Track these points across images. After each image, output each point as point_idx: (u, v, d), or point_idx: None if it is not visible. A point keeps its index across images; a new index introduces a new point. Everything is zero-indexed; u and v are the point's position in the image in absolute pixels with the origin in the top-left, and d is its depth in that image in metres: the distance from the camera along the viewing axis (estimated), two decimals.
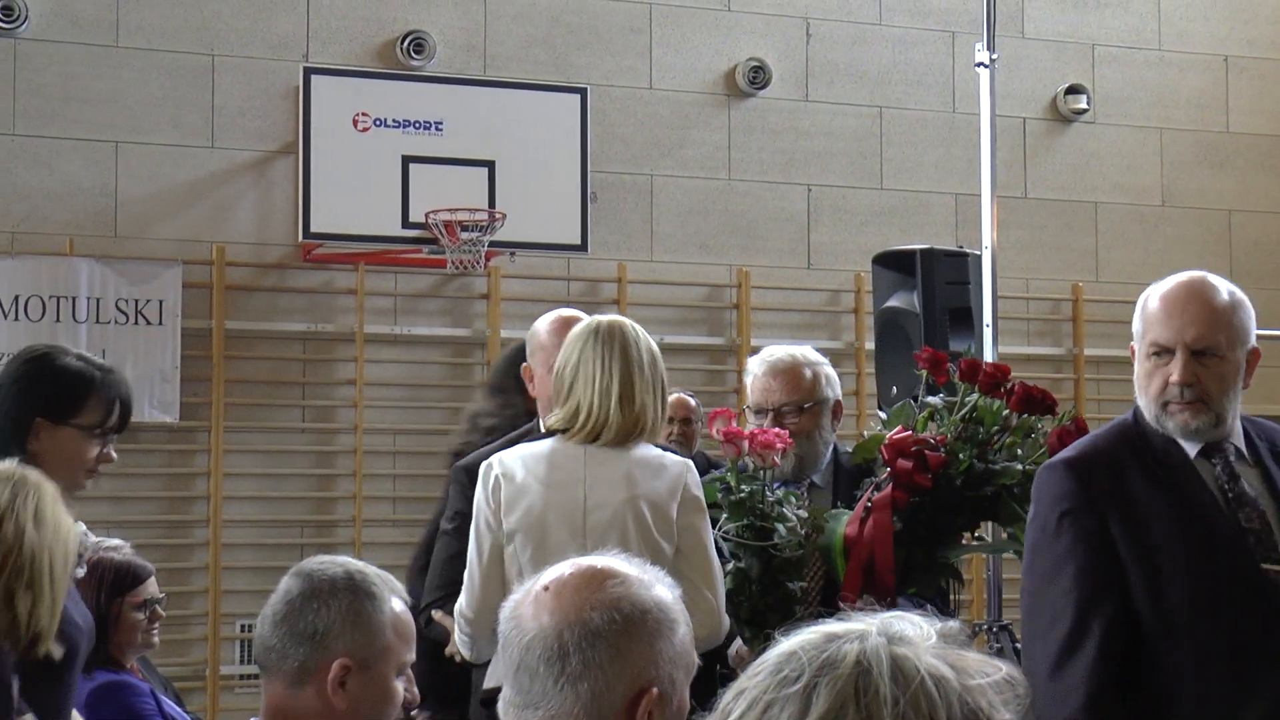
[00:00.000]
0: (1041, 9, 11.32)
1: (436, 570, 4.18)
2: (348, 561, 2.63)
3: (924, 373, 4.18)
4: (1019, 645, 6.78)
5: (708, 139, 10.60)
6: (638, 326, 4.03)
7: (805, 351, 4.46)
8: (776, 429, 4.12)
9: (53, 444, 3.36)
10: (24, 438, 3.33)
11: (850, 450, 4.37)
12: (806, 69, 10.83)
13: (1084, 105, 11.31)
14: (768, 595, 4.02)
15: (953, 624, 1.45)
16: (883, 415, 4.25)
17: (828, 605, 3.92)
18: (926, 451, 3.85)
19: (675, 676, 2.01)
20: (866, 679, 1.37)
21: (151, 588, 4.28)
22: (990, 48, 7.32)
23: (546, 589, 2.02)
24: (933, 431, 3.97)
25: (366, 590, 2.55)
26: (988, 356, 6.27)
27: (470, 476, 4.09)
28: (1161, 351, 3.32)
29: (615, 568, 2.05)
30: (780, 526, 4.03)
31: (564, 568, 2.05)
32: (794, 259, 10.69)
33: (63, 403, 3.38)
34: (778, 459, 4.06)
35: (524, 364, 4.57)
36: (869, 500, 3.86)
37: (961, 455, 3.91)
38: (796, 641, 1.43)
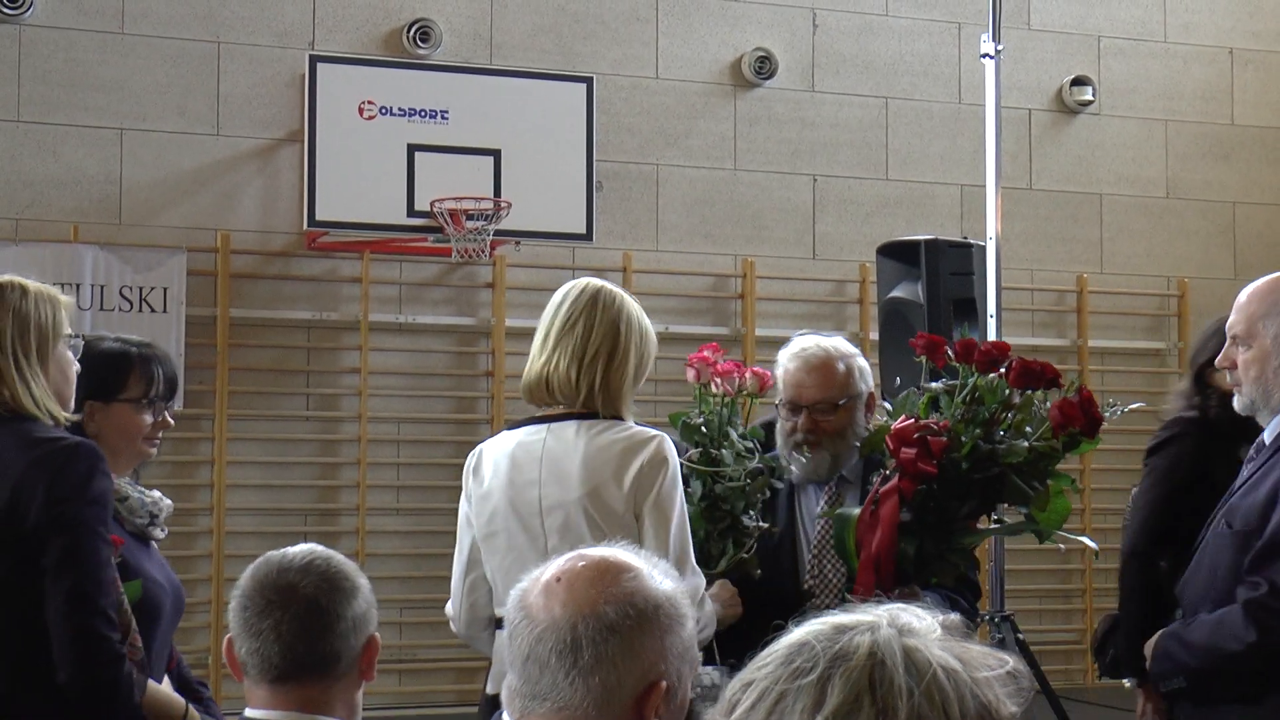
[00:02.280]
0: (1047, 1, 11.31)
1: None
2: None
3: (923, 359, 4.12)
4: (1021, 636, 6.80)
5: (713, 129, 10.59)
6: (617, 292, 4.02)
7: (838, 343, 4.29)
8: (743, 365, 4.13)
9: (108, 422, 3.56)
10: (80, 422, 3.49)
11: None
12: (813, 59, 10.83)
13: (1089, 97, 11.30)
14: (713, 521, 3.98)
15: (954, 616, 1.45)
16: (888, 406, 4.20)
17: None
18: (929, 438, 3.80)
19: (682, 670, 2.02)
20: (881, 670, 1.37)
21: None
22: (996, 39, 7.33)
23: (559, 580, 2.01)
24: (936, 417, 3.92)
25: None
26: None
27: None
28: None
29: (628, 560, 2.05)
30: (725, 452, 3.99)
31: (575, 559, 2.05)
32: (799, 249, 10.69)
33: (108, 382, 3.58)
34: (741, 387, 4.02)
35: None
36: (877, 492, 3.83)
37: (965, 438, 3.83)
38: (806, 632, 1.43)
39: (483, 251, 9.40)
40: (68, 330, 3.40)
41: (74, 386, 3.42)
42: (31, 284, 3.39)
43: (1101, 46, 11.44)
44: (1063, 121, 11.36)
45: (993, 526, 4.02)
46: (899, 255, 7.38)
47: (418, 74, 9.72)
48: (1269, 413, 3.68)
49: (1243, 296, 3.73)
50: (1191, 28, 11.65)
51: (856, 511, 3.85)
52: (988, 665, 1.40)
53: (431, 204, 9.34)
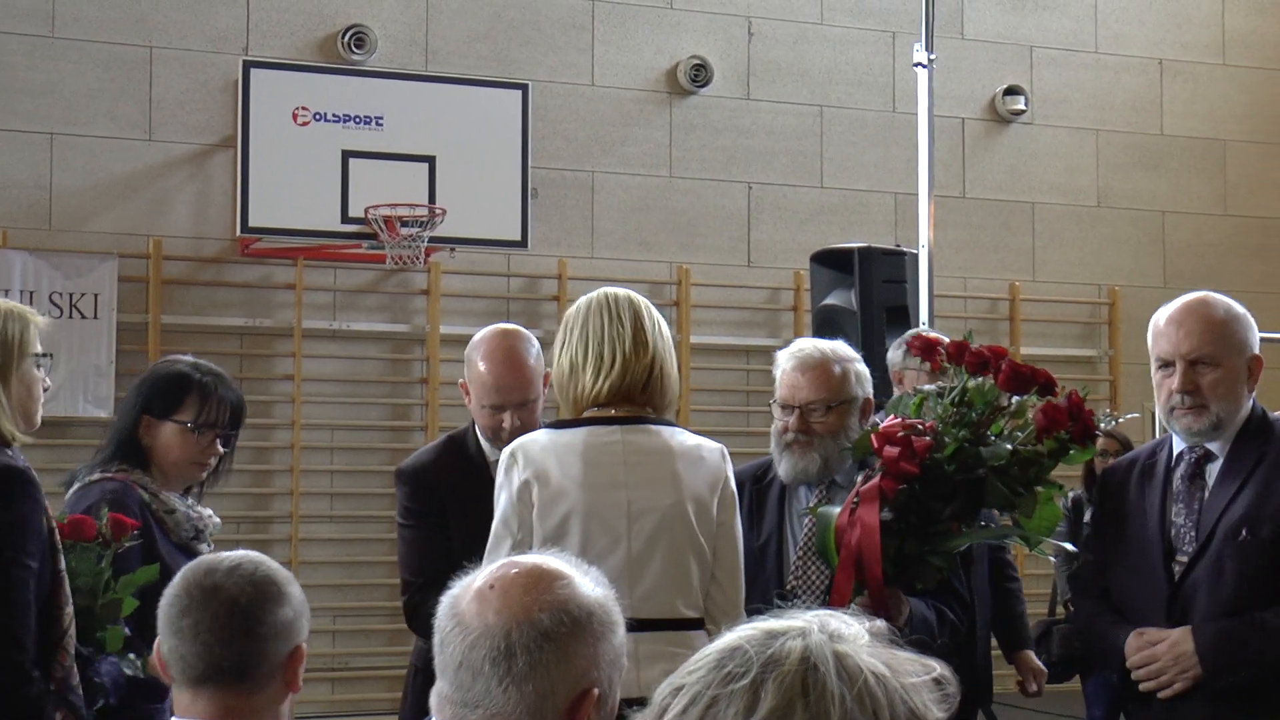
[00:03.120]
0: (981, 11, 11.40)
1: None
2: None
3: (918, 360, 4.13)
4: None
5: (649, 136, 10.61)
6: (635, 296, 3.90)
7: (836, 347, 4.28)
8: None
9: (159, 438, 3.77)
10: (136, 431, 3.77)
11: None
12: (748, 68, 10.86)
13: (1022, 106, 11.39)
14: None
15: (879, 624, 1.46)
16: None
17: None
18: (913, 437, 3.81)
19: (613, 677, 2.02)
20: (814, 675, 1.38)
21: None
22: (929, 48, 7.37)
23: (492, 587, 2.00)
24: (923, 418, 3.92)
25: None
26: None
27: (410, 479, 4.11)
28: None
29: (560, 568, 2.05)
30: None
31: (507, 566, 2.04)
32: (734, 257, 10.72)
33: (164, 400, 3.78)
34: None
35: (461, 380, 4.51)
36: (858, 490, 3.82)
37: (949, 439, 3.80)
38: (737, 637, 1.44)
39: (417, 258, 9.38)
40: (36, 349, 3.42)
41: (39, 404, 3.44)
42: (2, 302, 3.44)
43: (1034, 57, 11.54)
44: (995, 130, 11.45)
45: (978, 531, 4.00)
46: (833, 263, 7.41)
47: (352, 80, 9.68)
48: (1227, 434, 3.78)
49: (1198, 322, 3.78)
50: (1122, 39, 11.78)
51: (837, 510, 3.83)
52: (915, 671, 1.41)
53: (366, 210, 9.31)
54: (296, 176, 9.33)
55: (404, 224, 9.30)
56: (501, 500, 3.67)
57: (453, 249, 9.74)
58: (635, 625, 3.46)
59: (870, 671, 1.39)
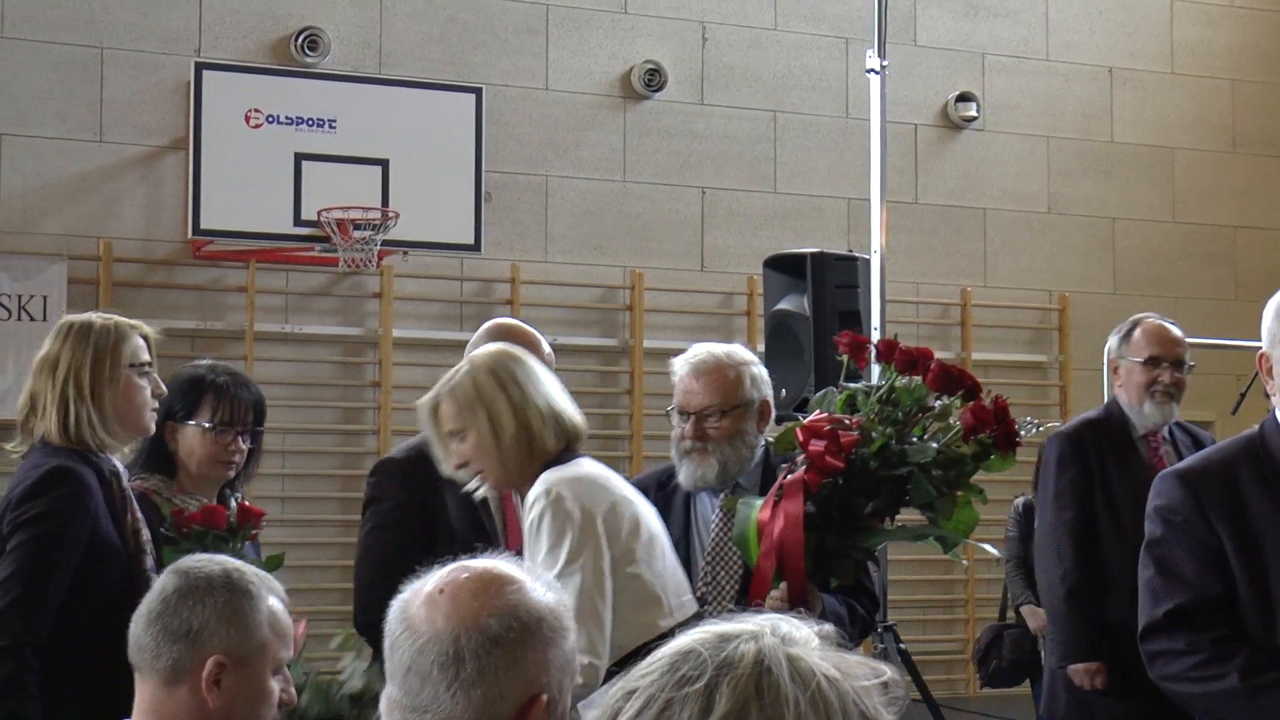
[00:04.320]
0: (933, 17, 11.45)
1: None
2: (225, 560, 2.61)
3: (845, 358, 4.06)
4: (903, 646, 6.88)
5: (603, 140, 10.62)
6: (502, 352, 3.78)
7: (732, 350, 4.25)
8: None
9: (183, 442, 3.90)
10: (163, 442, 3.90)
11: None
12: (702, 72, 10.89)
13: (974, 113, 11.45)
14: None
15: (828, 627, 1.47)
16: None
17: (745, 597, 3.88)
18: (839, 432, 3.78)
19: (563, 683, 2.02)
20: (768, 678, 1.39)
21: None
22: (882, 55, 7.41)
23: (441, 591, 2.00)
24: (850, 415, 3.90)
25: (243, 588, 2.52)
26: None
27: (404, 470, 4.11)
28: None
29: (511, 572, 2.04)
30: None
31: (458, 570, 2.04)
32: (688, 261, 10.74)
33: (183, 404, 3.91)
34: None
35: None
36: (782, 482, 3.78)
37: (875, 434, 3.81)
38: (690, 640, 1.44)
39: (370, 261, 9.36)
40: (137, 359, 3.64)
41: (146, 410, 3.66)
42: (98, 318, 3.71)
43: (986, 63, 11.60)
44: (948, 137, 11.51)
45: (897, 528, 4.01)
46: (786, 268, 7.43)
47: (305, 82, 9.66)
48: None
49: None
50: (1072, 46, 11.85)
51: (759, 502, 3.80)
52: (865, 674, 1.42)
53: (319, 213, 9.28)
54: (249, 179, 9.30)
55: (357, 227, 9.28)
56: (565, 542, 3.49)
57: (406, 252, 9.73)
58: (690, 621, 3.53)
59: (823, 674, 1.40)
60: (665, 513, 4.17)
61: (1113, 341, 5.58)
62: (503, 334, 4.30)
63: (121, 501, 3.62)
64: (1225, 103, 12.20)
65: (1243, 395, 6.78)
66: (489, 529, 4.22)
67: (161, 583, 2.55)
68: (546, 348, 4.37)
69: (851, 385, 3.99)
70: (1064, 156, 11.78)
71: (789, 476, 3.76)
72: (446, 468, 3.70)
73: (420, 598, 2.02)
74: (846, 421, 3.80)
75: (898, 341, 3.92)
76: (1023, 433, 3.85)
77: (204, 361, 4.16)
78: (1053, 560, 5.41)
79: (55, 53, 9.47)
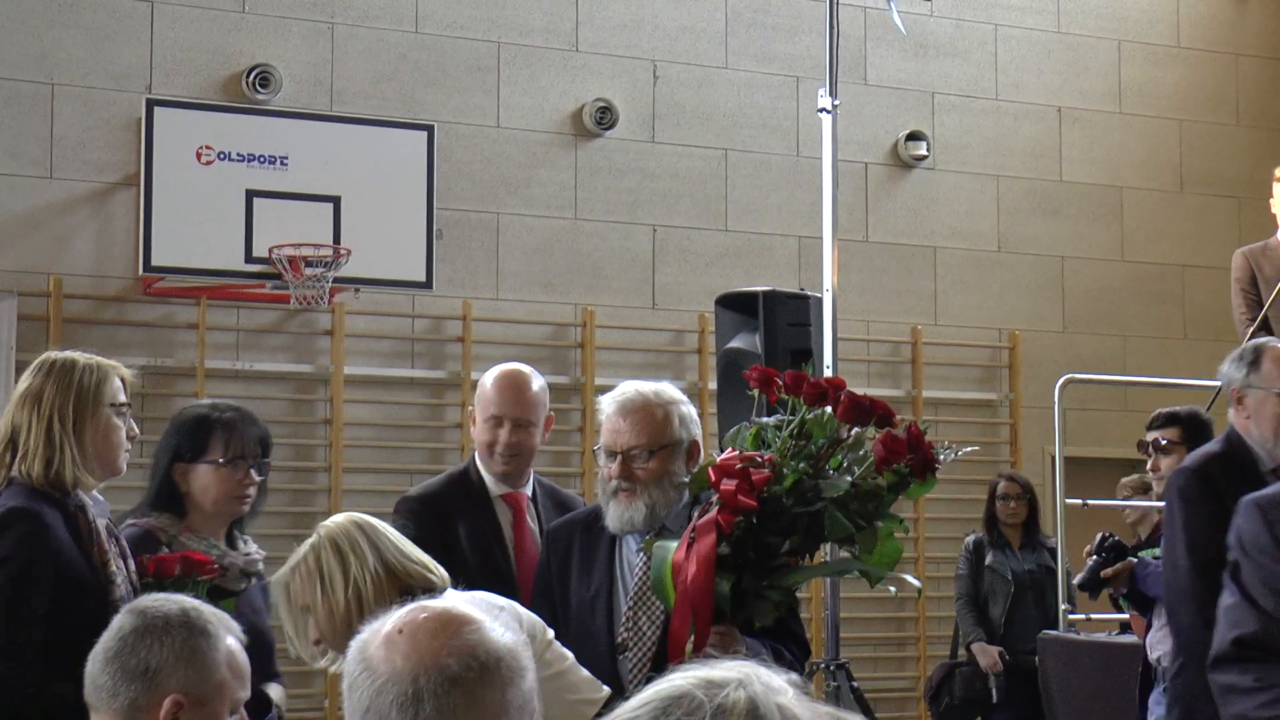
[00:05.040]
0: (884, 57, 11.53)
1: None
2: (183, 599, 2.59)
3: (755, 393, 3.97)
4: (855, 684, 6.88)
5: (554, 178, 10.64)
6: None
7: (660, 389, 4.13)
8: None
9: (195, 482, 3.93)
10: (173, 483, 3.95)
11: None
12: (653, 110, 10.92)
13: (924, 151, 11.53)
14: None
15: (795, 676, 1.47)
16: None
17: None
18: (750, 470, 3.67)
19: None
20: None
21: None
22: (833, 94, 7.44)
23: (400, 631, 1.99)
24: (763, 451, 3.80)
25: (201, 627, 2.51)
26: None
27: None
28: None
29: (468, 612, 2.03)
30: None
31: (417, 610, 2.03)
32: (639, 299, 10.75)
33: (191, 444, 3.94)
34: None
35: (470, 408, 4.63)
36: (694, 525, 3.66)
37: (787, 471, 3.70)
38: (678, 684, 1.43)
39: (321, 298, 9.34)
40: (115, 399, 3.67)
41: (121, 450, 3.71)
42: (81, 357, 3.70)
43: (935, 102, 11.69)
44: (898, 175, 11.58)
45: (817, 565, 3.92)
46: (737, 306, 7.44)
47: (257, 119, 9.64)
48: None
49: None
50: (1021, 86, 11.96)
51: (674, 544, 3.71)
52: None
53: (270, 250, 9.26)
54: (200, 215, 9.27)
55: (308, 264, 9.26)
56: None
57: (357, 289, 9.71)
58: None
59: None
60: (590, 556, 4.10)
61: (1232, 370, 5.08)
62: (504, 375, 4.55)
63: (88, 535, 3.64)
64: (1173, 142, 12.33)
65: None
66: (501, 562, 4.36)
67: (119, 622, 2.53)
68: (537, 384, 4.59)
69: (761, 420, 3.89)
70: (1013, 195, 11.86)
71: (702, 518, 3.68)
72: (301, 648, 3.59)
73: (379, 638, 2.01)
74: (759, 459, 3.73)
75: (805, 373, 3.84)
76: (942, 458, 3.79)
77: (203, 401, 4.24)
78: (1194, 608, 4.79)
79: (5, 89, 9.43)
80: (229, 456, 3.96)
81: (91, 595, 3.56)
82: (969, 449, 4.15)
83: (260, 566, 4.05)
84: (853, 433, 3.75)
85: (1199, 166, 12.35)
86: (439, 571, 3.59)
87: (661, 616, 3.94)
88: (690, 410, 4.15)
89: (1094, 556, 6.23)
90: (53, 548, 3.55)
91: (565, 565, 4.17)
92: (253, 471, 4.02)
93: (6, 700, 3.41)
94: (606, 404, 4.14)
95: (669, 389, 4.18)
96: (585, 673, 3.69)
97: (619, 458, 4.04)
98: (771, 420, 3.84)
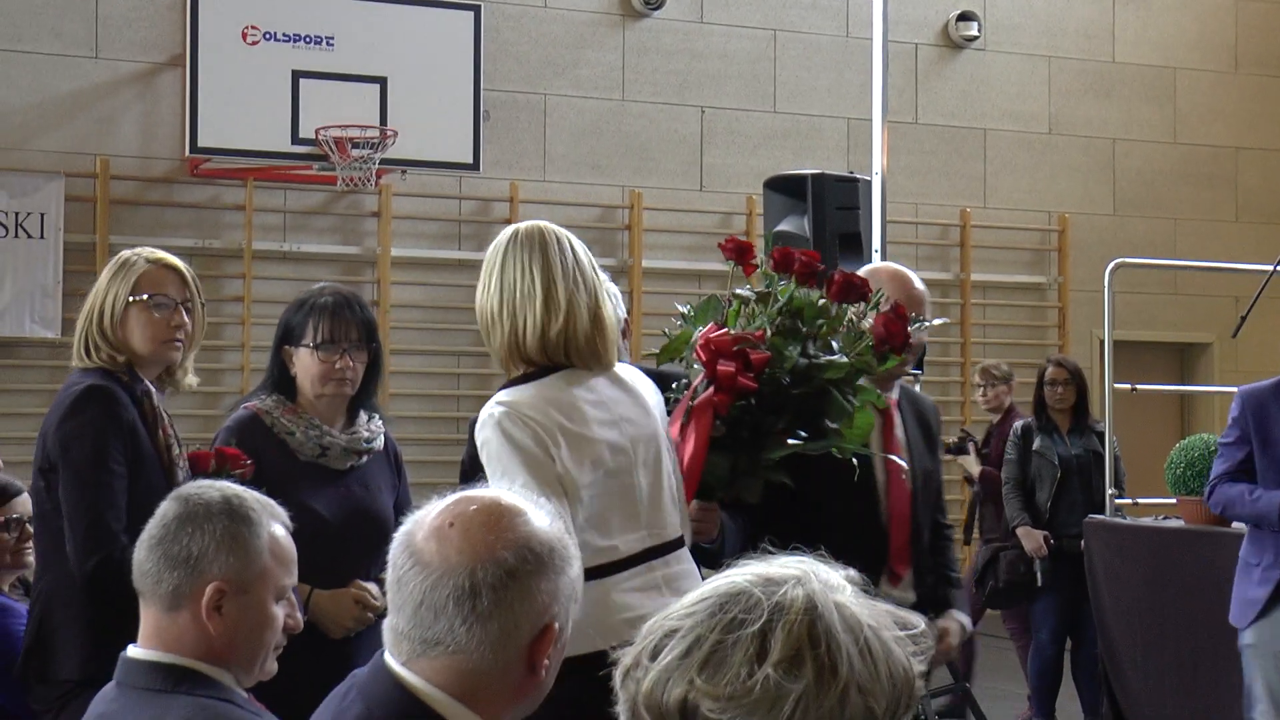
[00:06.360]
0: None
1: None
2: (226, 486, 2.59)
3: (731, 264, 3.73)
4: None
5: (602, 59, 10.55)
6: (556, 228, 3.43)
7: None
8: None
9: (299, 364, 4.03)
10: (283, 366, 4.04)
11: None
12: None
13: (975, 32, 11.38)
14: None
15: (853, 573, 1.47)
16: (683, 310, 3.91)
17: None
18: (749, 351, 3.56)
19: (569, 610, 2.03)
20: (821, 624, 1.39)
21: (22, 505, 4.22)
22: None
23: (451, 525, 1.99)
24: (743, 326, 3.71)
25: (243, 514, 2.51)
26: None
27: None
28: None
29: (516, 503, 2.04)
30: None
31: (465, 502, 2.03)
32: (686, 181, 10.70)
33: (291, 330, 4.06)
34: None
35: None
36: (687, 406, 3.54)
37: (787, 352, 3.62)
38: (735, 582, 1.43)
39: (368, 180, 9.33)
40: (143, 293, 3.82)
41: (149, 342, 3.81)
42: (132, 254, 3.94)
43: None
44: (949, 57, 11.44)
45: (796, 441, 3.85)
46: (786, 189, 7.40)
47: None
48: None
49: None
50: None
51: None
52: (893, 624, 1.43)
53: (316, 131, 9.23)
54: (246, 96, 9.25)
55: (355, 145, 9.24)
56: (515, 465, 3.23)
57: (404, 171, 9.69)
58: (662, 549, 3.41)
59: (867, 624, 1.40)
60: None
61: None
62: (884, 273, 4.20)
63: (153, 419, 3.77)
64: (1228, 22, 12.12)
65: (1243, 318, 6.75)
66: None
67: (163, 508, 2.54)
68: (918, 285, 4.20)
69: (740, 292, 3.71)
70: (1065, 76, 11.71)
71: (697, 399, 3.56)
72: None
73: (425, 530, 2.02)
74: (751, 337, 3.66)
75: (792, 250, 3.76)
76: (911, 330, 3.74)
77: (318, 285, 4.26)
78: None
79: None
80: (320, 340, 4.01)
81: (158, 475, 3.68)
82: (941, 320, 4.10)
83: (373, 444, 4.05)
84: (834, 309, 3.69)
85: (1255, 46, 12.15)
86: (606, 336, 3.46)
87: None
88: (614, 288, 3.92)
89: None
90: (128, 422, 3.71)
91: None
92: (348, 356, 4.03)
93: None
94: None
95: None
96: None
97: None
98: (750, 293, 3.69)
